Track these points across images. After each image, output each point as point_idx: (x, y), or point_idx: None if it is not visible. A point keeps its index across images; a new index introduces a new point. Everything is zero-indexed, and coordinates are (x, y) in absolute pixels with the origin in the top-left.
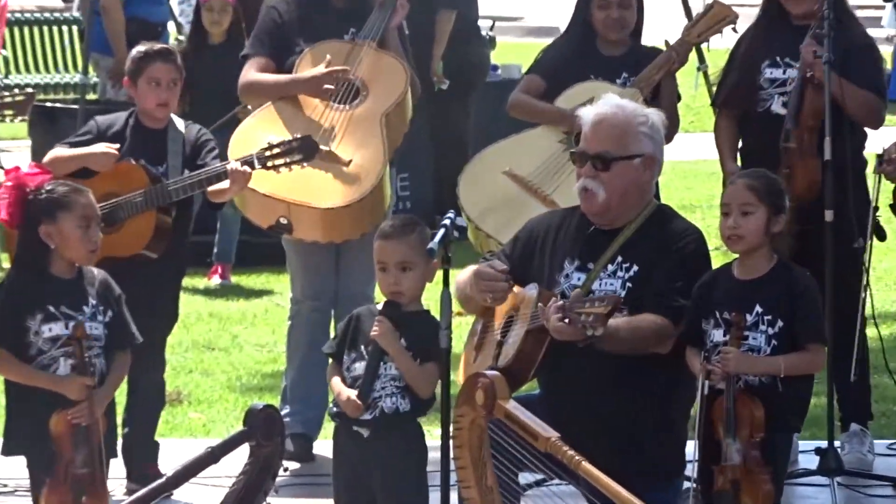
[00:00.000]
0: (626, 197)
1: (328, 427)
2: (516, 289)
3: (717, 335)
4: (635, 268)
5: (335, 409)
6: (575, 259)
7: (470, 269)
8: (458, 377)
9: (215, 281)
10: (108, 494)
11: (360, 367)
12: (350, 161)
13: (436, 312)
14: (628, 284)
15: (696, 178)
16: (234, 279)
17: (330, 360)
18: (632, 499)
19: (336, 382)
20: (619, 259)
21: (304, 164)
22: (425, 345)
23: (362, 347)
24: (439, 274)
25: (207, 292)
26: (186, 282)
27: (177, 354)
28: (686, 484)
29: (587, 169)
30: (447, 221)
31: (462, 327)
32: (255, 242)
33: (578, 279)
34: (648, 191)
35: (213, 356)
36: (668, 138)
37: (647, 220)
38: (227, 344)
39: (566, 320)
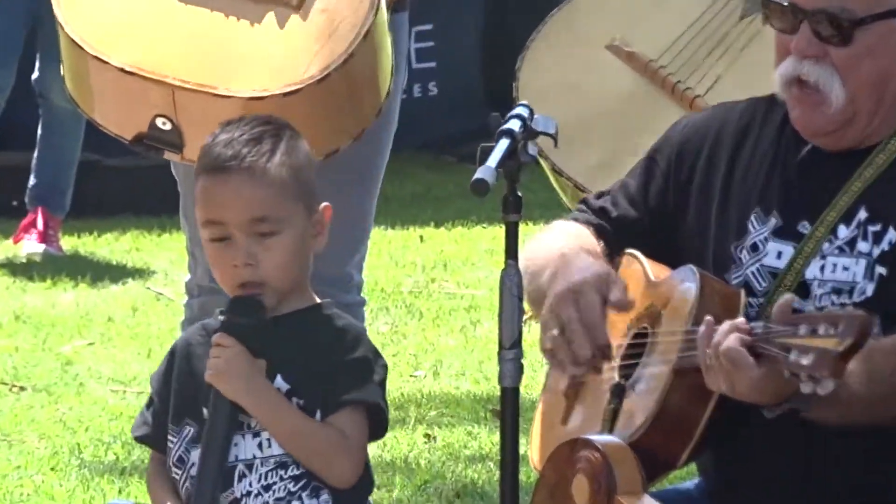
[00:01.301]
0: (883, 96)
1: None
2: (653, 269)
3: None
4: (892, 234)
5: None
6: (771, 213)
7: (556, 234)
8: (530, 451)
9: (29, 248)
10: None
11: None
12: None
13: (490, 307)
14: (879, 269)
15: None
16: (66, 243)
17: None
18: None
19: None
20: (863, 216)
21: None
22: (329, 377)
23: (204, 412)
24: (492, 236)
25: (12, 271)
26: None
27: None
28: None
29: (802, 41)
30: (514, 123)
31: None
32: (108, 168)
33: (779, 255)
34: None
35: (22, 404)
36: None
37: None
38: (53, 378)
39: (755, 358)
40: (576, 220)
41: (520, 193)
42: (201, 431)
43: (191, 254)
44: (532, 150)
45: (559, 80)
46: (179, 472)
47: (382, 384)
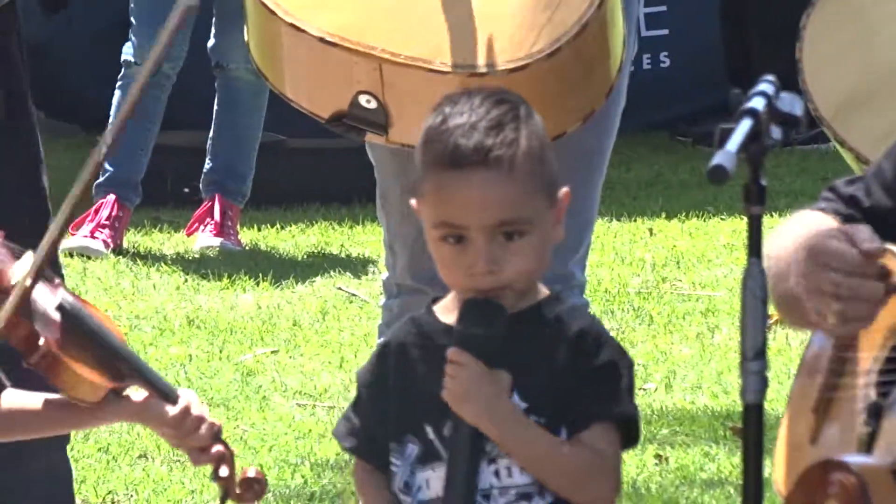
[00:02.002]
0: None
1: None
2: None
3: None
4: None
5: None
6: None
7: (802, 225)
8: (774, 473)
9: (204, 242)
10: None
11: (435, 481)
12: None
13: (730, 310)
14: None
15: None
16: (245, 237)
17: (355, 462)
18: None
19: None
20: None
21: None
22: (573, 390)
23: (427, 429)
24: (732, 229)
25: (184, 268)
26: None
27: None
28: None
29: None
30: (758, 101)
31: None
32: (293, 149)
33: None
34: None
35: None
36: None
37: None
38: (233, 391)
39: None
40: (822, 210)
41: (763, 182)
42: (427, 451)
43: (389, 248)
44: (776, 133)
45: (849, 39)
46: (408, 499)
47: (631, 388)
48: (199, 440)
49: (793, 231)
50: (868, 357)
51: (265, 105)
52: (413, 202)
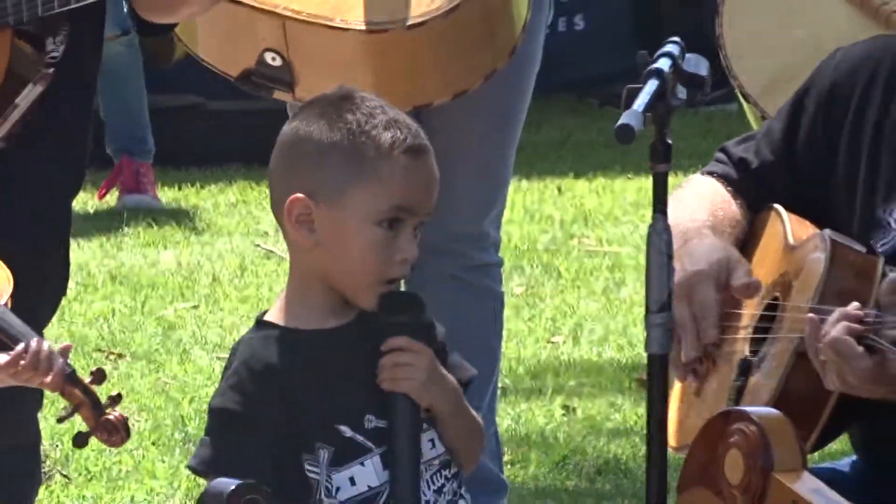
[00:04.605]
0: None
1: None
2: (793, 228)
3: None
4: None
5: None
6: None
7: (688, 199)
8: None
9: (126, 201)
10: None
11: (366, 473)
12: None
13: (636, 266)
14: None
15: None
16: (166, 196)
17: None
18: None
19: None
20: None
21: None
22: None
23: (341, 429)
24: (638, 187)
25: (103, 225)
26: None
27: None
28: None
29: None
30: (663, 62)
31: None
32: (212, 112)
33: None
34: None
35: (122, 371)
36: None
37: None
38: (153, 345)
39: (863, 350)
40: (713, 173)
41: (669, 141)
42: (344, 450)
43: None
44: (682, 93)
45: (769, 25)
46: (333, 501)
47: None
48: (44, 385)
49: (680, 206)
50: (748, 314)
51: (142, 69)
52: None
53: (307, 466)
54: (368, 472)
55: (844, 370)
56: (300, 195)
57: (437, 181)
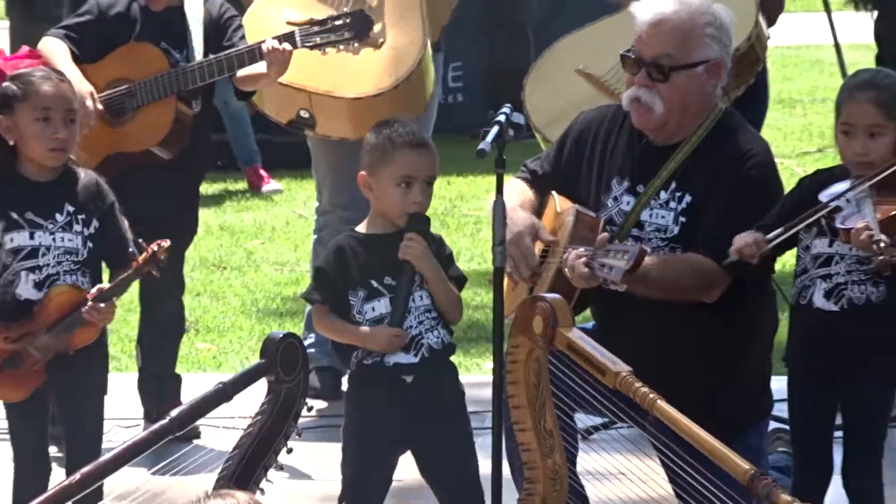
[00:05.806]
0: (686, 110)
1: None
2: (560, 204)
3: (820, 245)
4: (688, 198)
5: (366, 360)
6: (625, 178)
7: (512, 191)
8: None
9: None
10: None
11: (381, 306)
12: (382, 42)
13: (489, 221)
14: (681, 218)
15: (798, 67)
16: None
17: (316, 309)
18: (715, 443)
19: (350, 327)
20: (673, 186)
21: (355, 44)
22: (444, 264)
23: (372, 282)
24: (490, 181)
25: (215, 201)
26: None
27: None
28: (773, 424)
29: (641, 77)
30: (501, 117)
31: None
32: (273, 142)
33: (628, 204)
34: (711, 100)
35: (224, 277)
36: (772, 20)
37: (709, 134)
38: (241, 262)
39: (587, 269)
40: (520, 177)
41: (504, 157)
42: (370, 294)
43: (318, 190)
44: (511, 133)
45: (550, 91)
46: (361, 318)
47: (452, 259)
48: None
49: (508, 195)
50: (539, 248)
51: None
52: (363, 174)
53: (350, 299)
54: (382, 306)
55: (575, 277)
56: (363, 172)
57: (434, 160)
